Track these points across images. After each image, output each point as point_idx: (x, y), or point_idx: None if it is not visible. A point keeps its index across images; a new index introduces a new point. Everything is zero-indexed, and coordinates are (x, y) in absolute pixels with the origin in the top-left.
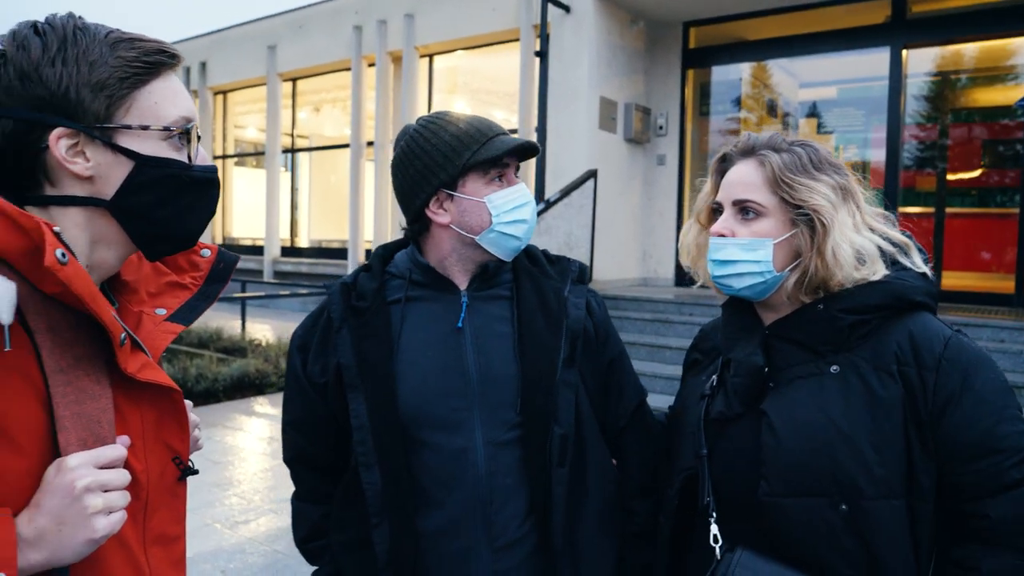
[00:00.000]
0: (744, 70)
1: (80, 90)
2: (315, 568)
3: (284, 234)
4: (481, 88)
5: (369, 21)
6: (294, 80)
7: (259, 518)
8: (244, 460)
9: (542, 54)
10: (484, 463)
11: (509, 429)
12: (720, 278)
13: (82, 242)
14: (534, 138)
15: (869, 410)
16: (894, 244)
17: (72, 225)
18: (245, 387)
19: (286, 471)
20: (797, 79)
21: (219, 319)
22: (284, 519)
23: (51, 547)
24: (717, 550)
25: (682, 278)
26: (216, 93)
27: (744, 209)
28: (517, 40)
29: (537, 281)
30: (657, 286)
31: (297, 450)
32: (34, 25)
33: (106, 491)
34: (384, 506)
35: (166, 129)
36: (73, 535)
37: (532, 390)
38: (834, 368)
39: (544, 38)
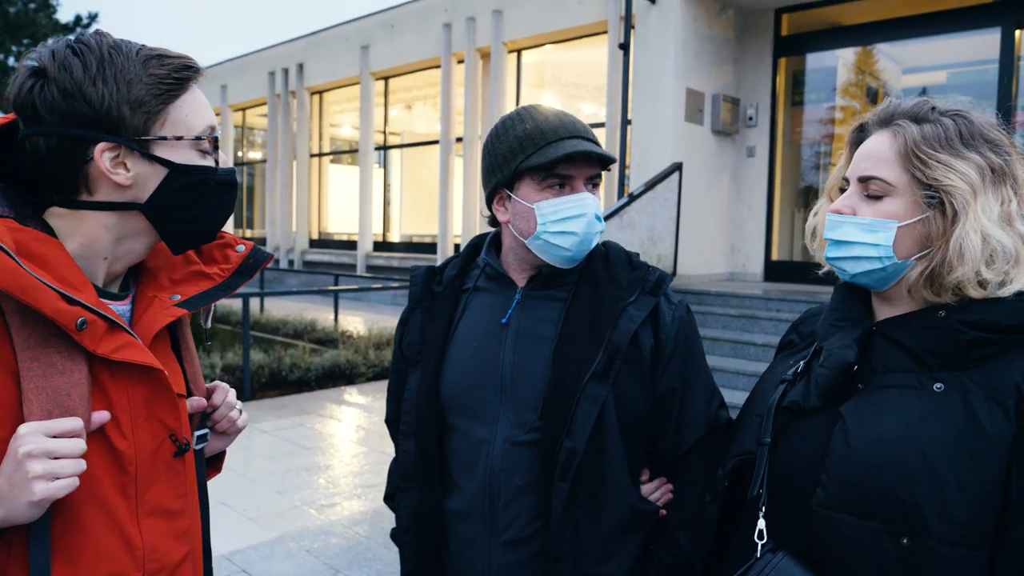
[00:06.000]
0: (841, 56)
1: (121, 107)
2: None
3: (377, 229)
4: (569, 82)
5: (458, 18)
6: (386, 79)
7: (344, 502)
8: (333, 447)
9: (625, 46)
10: (498, 459)
11: (528, 431)
12: (835, 260)
13: (106, 240)
14: (618, 132)
15: (966, 442)
16: None
17: (99, 225)
18: (336, 376)
19: (373, 458)
20: (900, 64)
21: (314, 311)
22: (367, 503)
23: (6, 505)
24: (759, 547)
25: (771, 273)
26: (313, 93)
27: (871, 186)
28: (605, 33)
29: (598, 287)
30: (745, 281)
31: (391, 414)
32: (70, 45)
33: (56, 458)
34: (414, 475)
35: (197, 139)
36: (19, 497)
37: (554, 398)
38: (938, 386)
39: (627, 30)
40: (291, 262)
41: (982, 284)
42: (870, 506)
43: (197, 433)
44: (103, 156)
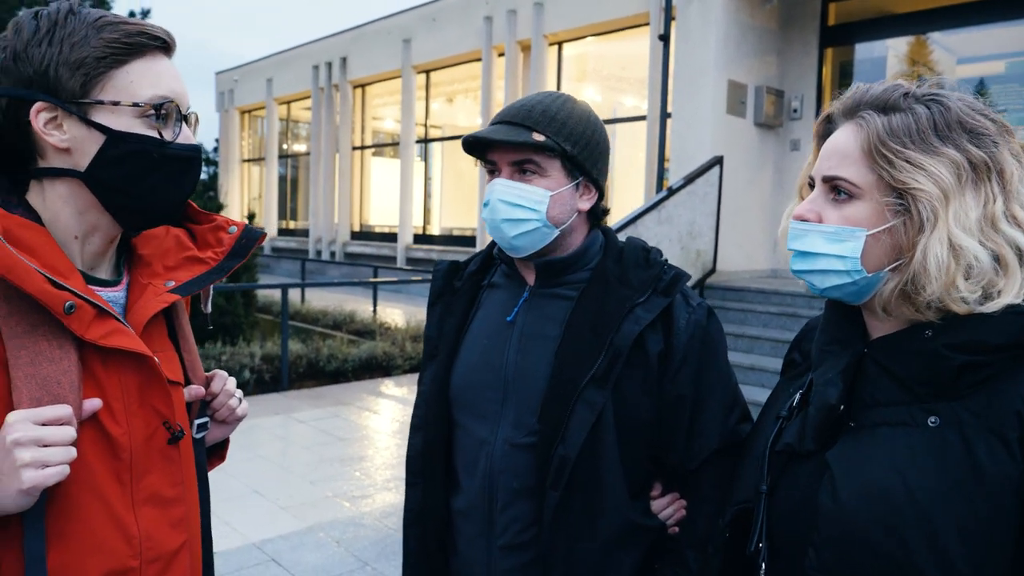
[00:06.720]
0: (891, 46)
1: (59, 68)
2: None
3: (417, 222)
4: (611, 75)
5: (499, 11)
6: (428, 72)
7: (376, 494)
8: (368, 438)
9: (665, 37)
10: (498, 460)
11: (527, 434)
12: (801, 274)
13: (67, 213)
14: (658, 125)
15: (964, 484)
16: None
17: (57, 197)
18: (373, 368)
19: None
20: (954, 54)
21: (353, 303)
22: (399, 496)
23: None
24: None
25: None
26: (355, 87)
27: (836, 188)
28: (647, 24)
29: (607, 286)
30: (788, 278)
31: None
32: (35, 12)
33: (45, 446)
34: (420, 471)
35: (135, 105)
36: (8, 485)
37: (552, 401)
38: (932, 420)
39: (667, 21)
40: (332, 254)
41: (964, 299)
42: (864, 567)
43: (197, 422)
44: (38, 117)
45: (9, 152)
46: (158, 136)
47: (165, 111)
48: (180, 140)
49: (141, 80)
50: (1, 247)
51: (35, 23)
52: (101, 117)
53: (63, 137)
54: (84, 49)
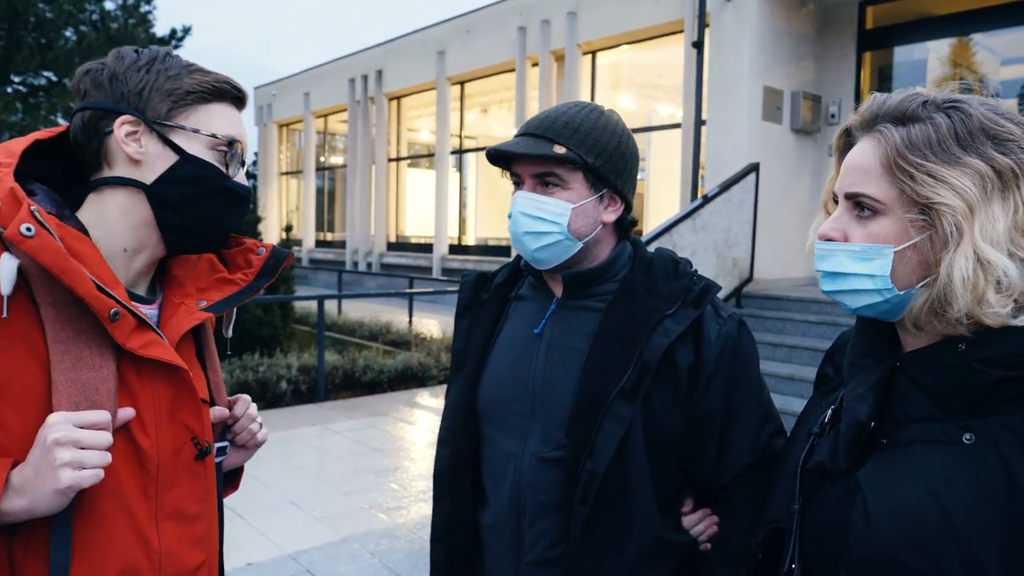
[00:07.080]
0: (932, 49)
1: (152, 92)
2: None
3: (452, 232)
4: (646, 83)
5: (533, 22)
6: (462, 83)
7: (411, 506)
8: (404, 450)
9: (699, 44)
10: (526, 474)
11: (555, 448)
12: (832, 294)
13: (121, 225)
14: (692, 132)
15: (1000, 504)
16: None
17: (116, 207)
18: (408, 379)
19: None
20: (998, 55)
21: (389, 313)
22: None
23: (31, 495)
24: None
25: None
26: (391, 99)
27: (859, 204)
28: (681, 31)
29: (635, 297)
30: None
31: None
32: (136, 48)
33: (82, 448)
34: (447, 484)
35: (213, 136)
36: (44, 484)
37: (580, 415)
38: (967, 437)
39: (701, 27)
40: (369, 265)
41: (996, 313)
42: None
43: (217, 445)
44: (121, 128)
45: (75, 163)
46: (223, 169)
47: (234, 150)
48: (238, 180)
49: (219, 118)
50: (58, 249)
51: (136, 55)
52: (178, 140)
53: (139, 149)
54: (177, 82)
